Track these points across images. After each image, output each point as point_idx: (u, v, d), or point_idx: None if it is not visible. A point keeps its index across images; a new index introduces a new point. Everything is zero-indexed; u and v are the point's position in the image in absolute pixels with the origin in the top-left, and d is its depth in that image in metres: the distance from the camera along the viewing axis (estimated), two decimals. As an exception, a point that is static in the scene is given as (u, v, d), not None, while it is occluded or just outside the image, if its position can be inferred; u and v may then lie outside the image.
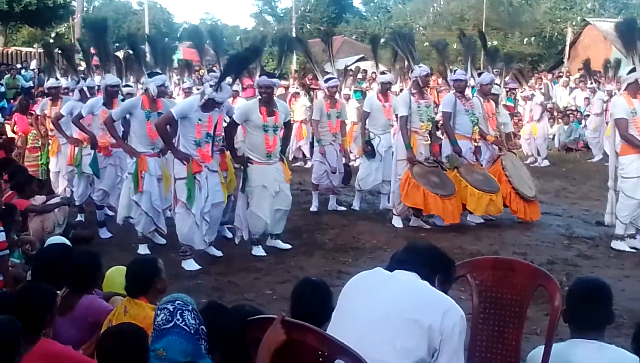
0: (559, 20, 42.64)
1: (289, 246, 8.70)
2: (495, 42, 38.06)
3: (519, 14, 41.82)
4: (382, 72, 11.50)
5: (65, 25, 35.07)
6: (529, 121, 17.44)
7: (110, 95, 9.37)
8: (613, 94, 17.21)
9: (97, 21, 10.73)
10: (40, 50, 24.24)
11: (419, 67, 9.99)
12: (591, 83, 19.82)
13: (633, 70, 8.67)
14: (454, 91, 10.19)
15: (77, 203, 10.01)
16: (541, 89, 22.51)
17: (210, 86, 7.80)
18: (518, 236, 9.51)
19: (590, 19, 36.17)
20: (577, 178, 15.15)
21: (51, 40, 28.78)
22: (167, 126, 7.96)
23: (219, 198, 8.09)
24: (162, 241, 8.84)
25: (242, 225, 8.49)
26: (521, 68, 18.92)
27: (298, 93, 17.99)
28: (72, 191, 10.32)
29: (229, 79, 7.96)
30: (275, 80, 8.52)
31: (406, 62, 10.82)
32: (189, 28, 52.75)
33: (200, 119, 7.82)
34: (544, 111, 17.63)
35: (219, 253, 8.36)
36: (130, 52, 9.76)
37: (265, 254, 8.44)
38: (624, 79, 8.98)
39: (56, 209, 8.36)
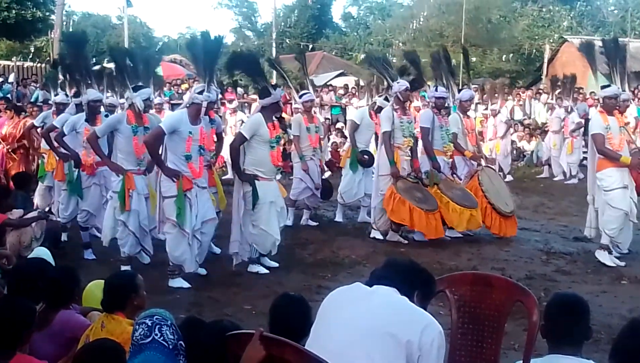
0: (537, 37, 43.00)
1: (276, 265, 8.56)
2: (474, 59, 38.36)
3: (498, 31, 42.09)
4: (385, 98, 11.43)
5: (45, 38, 34.88)
6: (492, 138, 17.07)
7: (93, 111, 9.12)
8: (569, 110, 17.35)
9: (76, 35, 10.50)
10: (19, 63, 24.11)
11: (397, 82, 10.05)
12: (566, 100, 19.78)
13: (605, 86, 8.81)
14: (433, 107, 10.25)
15: (62, 221, 9.59)
16: (521, 105, 22.72)
17: (197, 92, 7.70)
18: (496, 252, 9.54)
19: (567, 36, 36.49)
20: (556, 193, 15.25)
21: (30, 54, 28.67)
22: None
23: (210, 214, 7.93)
24: (147, 259, 8.49)
25: (242, 249, 8.29)
26: (492, 83, 19.01)
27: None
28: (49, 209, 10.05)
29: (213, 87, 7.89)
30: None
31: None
32: (176, 40, 52.80)
33: (190, 132, 7.62)
34: (508, 128, 17.65)
35: (203, 271, 8.14)
36: (111, 66, 9.55)
37: (268, 271, 8.35)
38: (599, 96, 9.10)
39: (33, 224, 8.27)
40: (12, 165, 12.16)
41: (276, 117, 8.98)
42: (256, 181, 8.08)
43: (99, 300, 4.49)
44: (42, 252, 6.18)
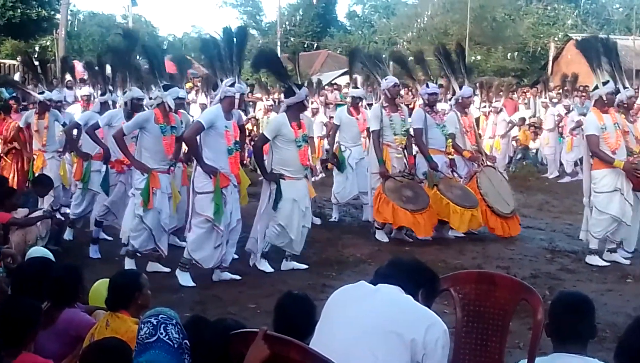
0: (541, 35, 42.97)
1: (306, 266, 8.52)
2: (478, 57, 38.36)
3: (502, 29, 42.08)
4: (354, 87, 11.57)
5: (50, 38, 34.90)
6: (492, 136, 16.97)
7: (135, 108, 8.92)
8: (571, 109, 17.35)
9: (129, 32, 10.31)
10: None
11: (385, 79, 10.01)
12: (567, 99, 19.68)
13: (605, 83, 8.77)
14: (424, 105, 10.20)
15: (72, 217, 9.66)
16: (526, 103, 22.68)
17: (228, 85, 7.65)
18: (501, 250, 9.53)
19: (572, 34, 36.40)
20: (560, 191, 15.23)
21: (36, 54, 28.61)
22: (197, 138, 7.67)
23: (238, 214, 7.94)
24: (166, 269, 8.17)
25: (258, 248, 8.30)
26: (490, 82, 18.98)
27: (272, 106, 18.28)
28: (52, 208, 9.93)
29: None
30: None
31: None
32: (181, 39, 52.70)
33: (226, 126, 7.62)
34: (510, 128, 17.64)
35: (237, 277, 8.04)
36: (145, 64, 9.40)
37: (273, 270, 8.33)
38: (592, 95, 9.06)
39: (39, 223, 8.27)
40: (4, 165, 12.00)
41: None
42: (281, 181, 8.09)
43: (105, 298, 4.50)
44: (40, 252, 6.17)
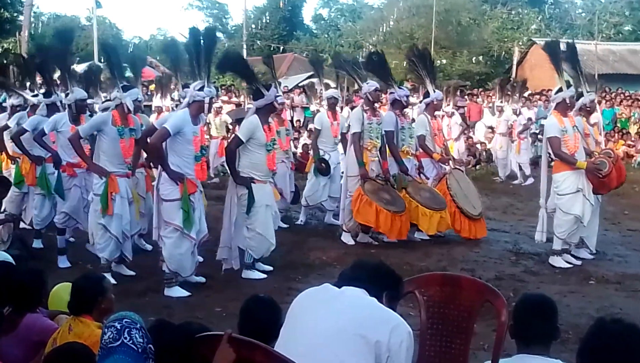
0: (506, 39, 43.42)
1: (271, 268, 8.47)
2: (444, 61, 38.61)
3: (467, 33, 42.40)
4: (327, 87, 11.56)
5: (13, 40, 34.50)
6: (447, 139, 17.01)
7: (79, 110, 8.83)
8: (518, 113, 17.59)
9: (62, 32, 9.83)
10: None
11: (367, 83, 10.06)
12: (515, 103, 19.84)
13: (560, 90, 8.89)
14: (398, 107, 10.24)
15: (37, 227, 9.33)
16: (490, 107, 22.85)
17: (197, 89, 7.47)
18: (466, 253, 9.60)
19: (536, 39, 36.83)
20: (525, 194, 15.34)
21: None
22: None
23: (203, 219, 7.79)
24: (131, 272, 8.18)
25: (232, 254, 8.14)
26: (457, 85, 19.13)
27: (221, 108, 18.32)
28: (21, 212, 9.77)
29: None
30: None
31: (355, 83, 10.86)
32: (147, 42, 52.33)
33: (194, 132, 7.45)
34: (462, 131, 17.77)
35: (202, 279, 7.93)
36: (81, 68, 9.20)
37: (265, 276, 8.27)
38: (553, 98, 9.17)
39: (0, 226, 8.16)
40: None
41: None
42: (252, 184, 7.96)
43: (65, 302, 4.44)
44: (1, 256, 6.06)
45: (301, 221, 11.47)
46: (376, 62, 10.65)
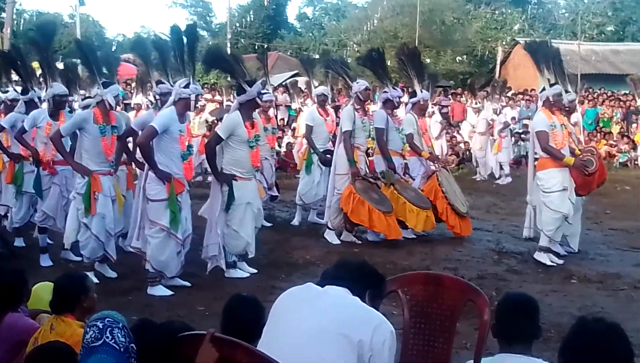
0: (489, 39, 43.56)
1: (255, 271, 8.40)
2: (428, 60, 38.67)
3: (451, 33, 42.48)
4: (318, 85, 11.56)
5: (-6, 36, 34.30)
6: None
7: (58, 105, 8.72)
8: (498, 112, 17.74)
9: (44, 26, 9.60)
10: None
11: (357, 82, 10.09)
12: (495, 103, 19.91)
13: (544, 89, 8.96)
14: (389, 107, 10.27)
15: (16, 226, 9.28)
16: (475, 107, 22.96)
17: (182, 86, 7.42)
18: (449, 252, 9.62)
19: (519, 39, 36.98)
20: (507, 194, 15.42)
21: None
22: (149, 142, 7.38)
23: (189, 218, 7.74)
24: (113, 274, 8.08)
25: (219, 252, 8.03)
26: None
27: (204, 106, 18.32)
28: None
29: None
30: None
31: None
32: (131, 40, 52.07)
33: (180, 131, 7.41)
34: (443, 129, 17.87)
35: (187, 283, 7.84)
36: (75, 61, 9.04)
37: (249, 274, 8.23)
38: (540, 96, 9.25)
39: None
40: None
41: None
42: (234, 182, 7.91)
43: (45, 302, 4.41)
44: None
45: (295, 222, 11.41)
46: (376, 59, 10.68)
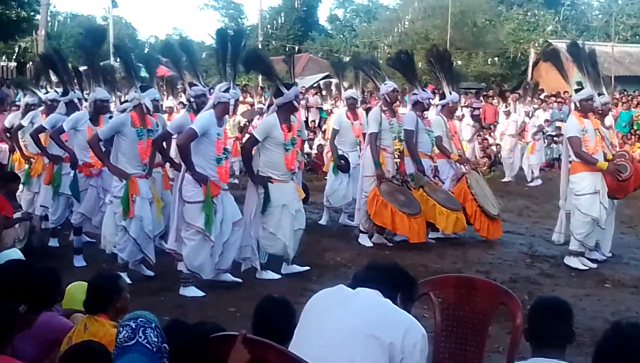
0: (522, 41, 43.30)
1: (307, 268, 8.43)
2: (459, 62, 38.54)
3: (483, 35, 42.34)
4: (347, 88, 11.55)
5: (30, 39, 34.70)
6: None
7: (99, 110, 8.82)
8: (531, 115, 17.57)
9: (93, 31, 9.63)
10: (3, 63, 23.84)
11: (385, 84, 10.03)
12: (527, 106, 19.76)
13: (579, 89, 8.88)
14: (414, 109, 10.23)
15: (52, 226, 9.35)
16: (507, 108, 22.84)
17: (222, 90, 7.42)
18: (481, 255, 9.56)
19: (552, 40, 36.68)
20: (540, 196, 15.30)
21: (15, 55, 28.40)
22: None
23: (238, 215, 7.73)
24: (150, 273, 8.15)
25: (252, 253, 8.06)
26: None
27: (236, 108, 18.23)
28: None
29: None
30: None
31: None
32: (159, 43, 52.52)
33: (218, 134, 7.42)
34: (476, 132, 17.76)
35: (238, 280, 7.85)
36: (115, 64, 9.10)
37: (280, 276, 8.22)
38: (573, 100, 9.16)
39: (17, 225, 8.17)
40: None
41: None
42: (270, 184, 7.93)
43: (79, 301, 4.46)
44: (12, 254, 6.07)
45: (324, 222, 11.42)
46: (405, 61, 10.61)
